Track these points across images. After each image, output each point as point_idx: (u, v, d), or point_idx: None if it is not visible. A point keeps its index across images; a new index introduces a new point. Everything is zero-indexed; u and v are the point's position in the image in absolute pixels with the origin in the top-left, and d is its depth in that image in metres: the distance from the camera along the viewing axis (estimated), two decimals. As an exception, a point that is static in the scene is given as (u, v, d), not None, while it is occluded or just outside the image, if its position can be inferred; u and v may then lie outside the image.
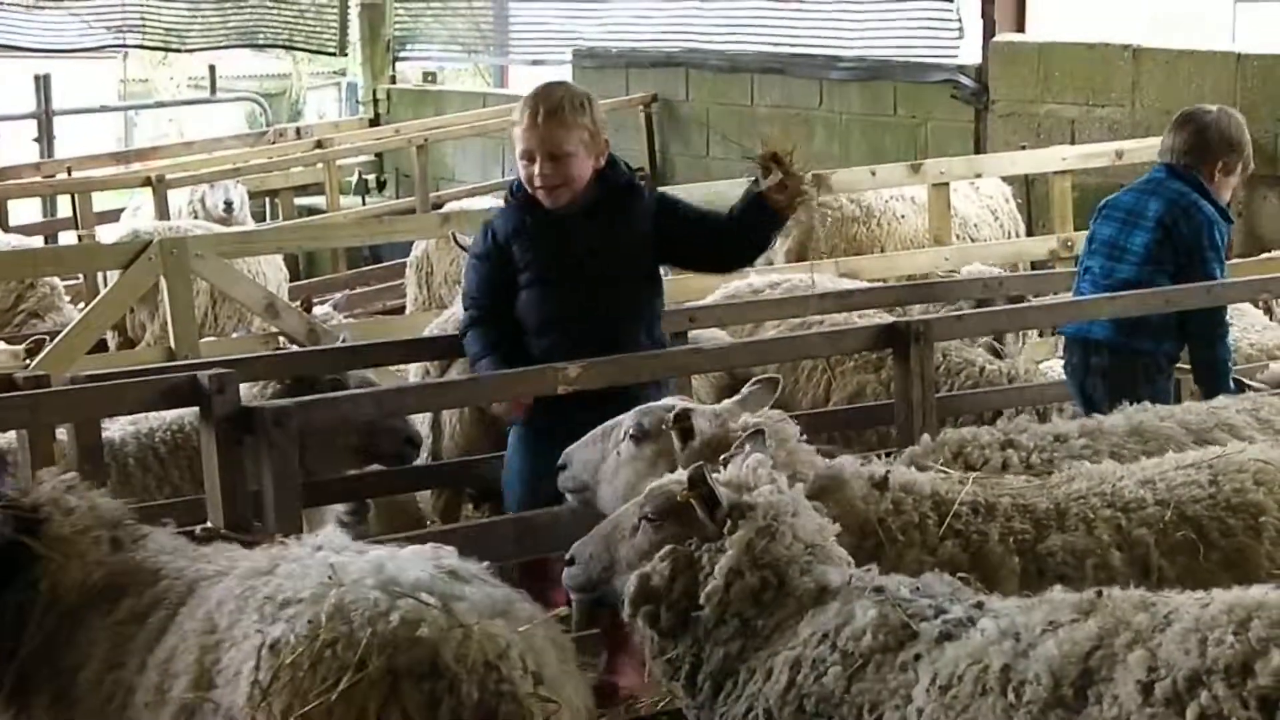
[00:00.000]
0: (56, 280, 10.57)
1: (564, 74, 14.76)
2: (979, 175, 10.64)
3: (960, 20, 12.43)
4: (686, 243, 5.40)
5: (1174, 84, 10.46)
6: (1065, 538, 4.08)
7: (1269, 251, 9.32)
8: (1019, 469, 4.70)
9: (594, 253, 5.25)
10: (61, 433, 5.29)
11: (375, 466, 5.86)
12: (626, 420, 4.57)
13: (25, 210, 15.47)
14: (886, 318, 6.69)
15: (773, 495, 3.56)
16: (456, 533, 5.18)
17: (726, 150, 13.40)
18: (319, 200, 14.82)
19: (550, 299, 5.28)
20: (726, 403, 4.66)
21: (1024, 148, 11.08)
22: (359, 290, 11.82)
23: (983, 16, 11.95)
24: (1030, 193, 11.31)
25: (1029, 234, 10.90)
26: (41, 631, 3.68)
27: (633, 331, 5.32)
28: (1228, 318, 6.24)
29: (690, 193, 8.93)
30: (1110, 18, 13.29)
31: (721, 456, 4.02)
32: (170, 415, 5.83)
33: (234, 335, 8.97)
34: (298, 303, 8.38)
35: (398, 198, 16.21)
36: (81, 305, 9.41)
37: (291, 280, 11.04)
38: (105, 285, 9.03)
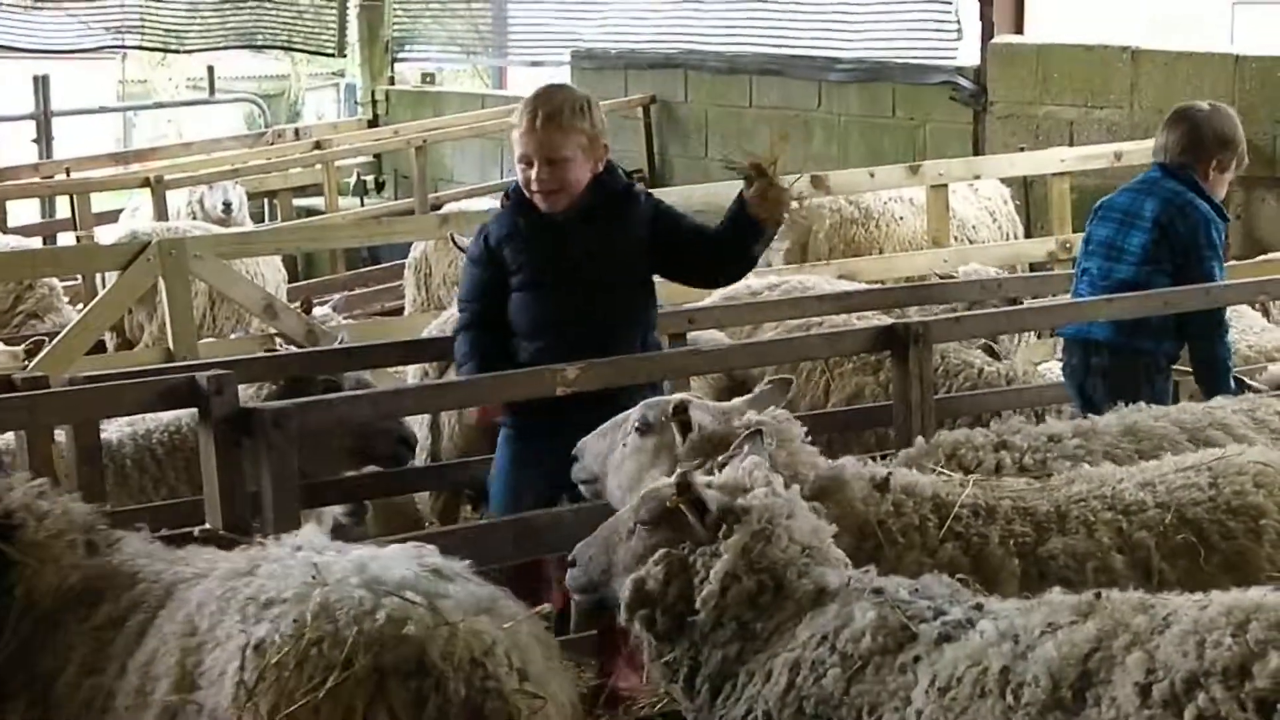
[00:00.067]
0: (55, 281, 10.57)
1: (562, 75, 14.76)
2: (977, 177, 10.65)
3: (959, 22, 12.43)
4: (677, 252, 5.34)
5: (1172, 85, 10.46)
6: (1066, 540, 4.09)
7: (1267, 253, 9.33)
8: (1012, 470, 4.71)
9: (590, 256, 5.22)
10: (60, 434, 5.30)
11: (370, 468, 5.86)
12: (634, 412, 4.60)
13: (24, 211, 15.46)
14: (885, 319, 6.70)
15: (768, 498, 3.56)
16: (455, 534, 5.18)
17: (725, 152, 13.39)
18: (317, 201, 14.82)
19: (543, 303, 5.25)
20: (737, 401, 4.67)
21: (1023, 149, 11.08)
22: (357, 291, 11.81)
23: (981, 18, 11.95)
24: (1029, 194, 11.32)
25: (1027, 236, 10.91)
26: (17, 637, 3.66)
27: (628, 337, 5.30)
28: (1227, 317, 6.24)
29: (689, 194, 8.97)
30: (1109, 19, 13.31)
31: (720, 457, 4.02)
32: (167, 417, 5.83)
33: (232, 336, 8.97)
34: (296, 304, 8.38)
35: (396, 199, 16.22)
36: (80, 306, 9.41)
37: (290, 281, 11.04)
38: (104, 286, 9.03)
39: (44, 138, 16.45)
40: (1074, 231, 9.55)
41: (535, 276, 5.27)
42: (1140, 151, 9.73)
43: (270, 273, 10.07)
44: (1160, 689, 2.85)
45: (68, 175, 14.12)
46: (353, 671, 3.13)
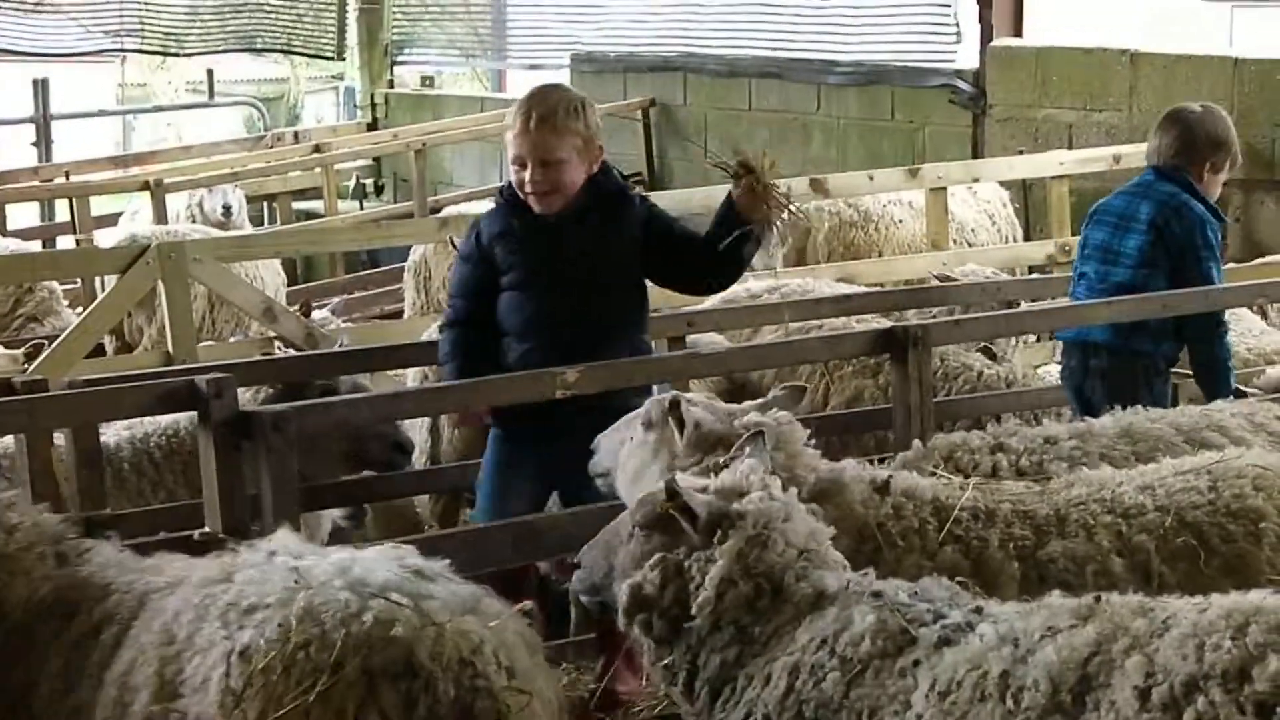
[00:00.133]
0: (55, 284, 10.55)
1: (562, 78, 14.75)
2: (977, 180, 10.66)
3: (958, 25, 12.44)
4: (670, 255, 5.28)
5: (1171, 88, 10.46)
6: (1065, 544, 4.09)
7: (1266, 256, 9.33)
8: (1009, 473, 4.71)
9: (585, 256, 5.19)
10: (59, 437, 5.29)
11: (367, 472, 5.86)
12: (644, 407, 4.63)
13: (23, 214, 15.46)
14: (884, 322, 6.71)
15: (763, 502, 3.54)
16: (455, 537, 5.18)
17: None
18: (317, 204, 14.82)
19: (536, 303, 5.22)
20: (748, 404, 4.69)
21: (1021, 152, 11.08)
22: (357, 295, 11.81)
23: (980, 21, 11.96)
24: (1028, 197, 11.32)
25: (1026, 239, 10.91)
26: None
27: (621, 339, 5.27)
28: (1226, 318, 6.24)
29: (689, 197, 8.98)
30: (1107, 22, 13.34)
31: (722, 459, 4.03)
32: (165, 420, 5.82)
33: (232, 340, 8.96)
34: (296, 307, 8.38)
35: (395, 202, 16.21)
36: (79, 309, 9.42)
37: (289, 284, 11.04)
38: (103, 290, 9.03)
39: (43, 141, 16.45)
40: (1073, 234, 9.52)
41: (528, 277, 5.23)
42: (1139, 154, 9.65)
43: (269, 276, 10.07)
44: (1160, 692, 2.85)
45: (67, 179, 14.11)
46: (342, 674, 3.13)
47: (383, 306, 11.46)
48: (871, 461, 4.75)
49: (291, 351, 7.22)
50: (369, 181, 17.03)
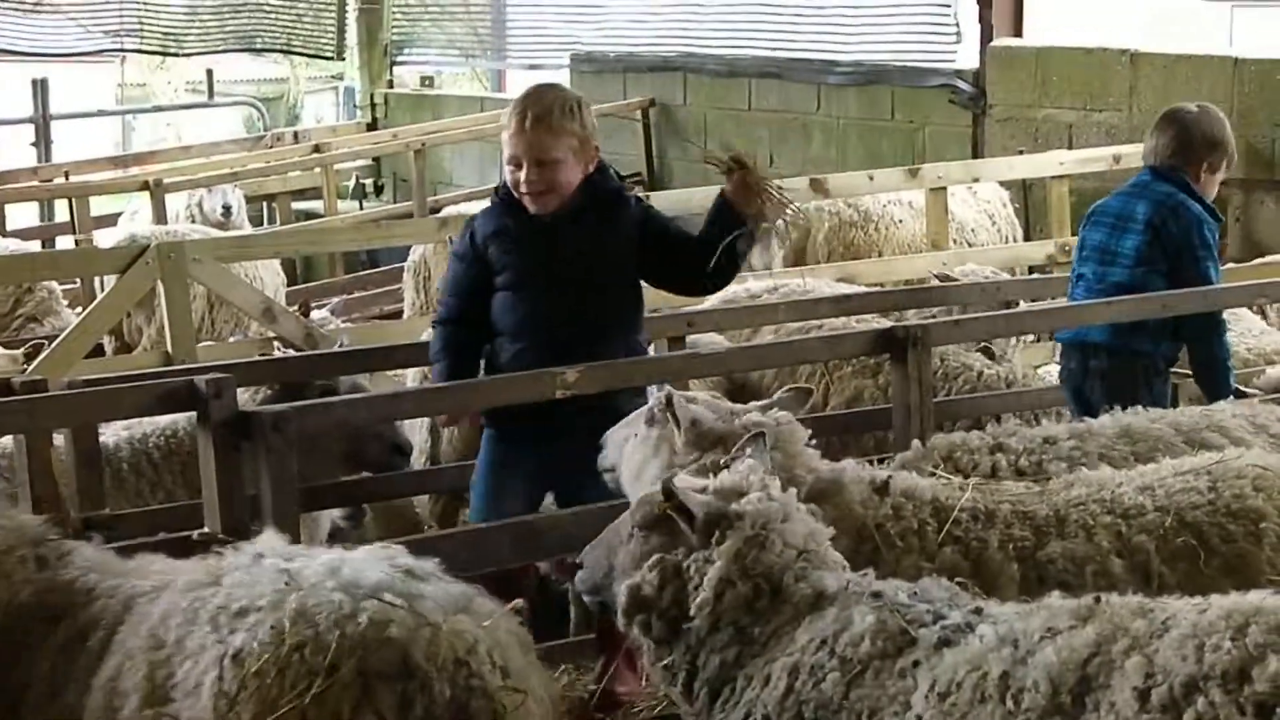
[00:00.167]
0: (54, 284, 10.55)
1: (561, 78, 14.76)
2: (976, 180, 10.66)
3: (958, 25, 12.44)
4: (666, 255, 5.23)
5: (1171, 88, 10.46)
6: (1065, 544, 4.08)
7: (1266, 256, 9.33)
8: (1008, 473, 4.71)
9: (581, 256, 5.15)
10: (59, 438, 5.29)
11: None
12: (649, 403, 4.65)
13: (23, 214, 15.45)
14: (884, 322, 6.70)
15: (761, 503, 3.54)
16: (455, 537, 5.18)
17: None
18: (316, 205, 14.82)
19: (532, 303, 5.18)
20: (752, 404, 4.69)
21: (1021, 152, 11.08)
22: (356, 295, 11.81)
23: (980, 21, 11.96)
24: (1028, 197, 11.32)
25: (1026, 239, 10.91)
26: None
27: (616, 337, 5.24)
28: (1225, 317, 6.24)
29: (689, 196, 8.97)
30: (1107, 22, 13.34)
31: (723, 460, 4.03)
32: (164, 420, 5.82)
33: (231, 340, 8.96)
34: (295, 307, 8.38)
35: (395, 202, 16.21)
36: (79, 310, 9.41)
37: (289, 285, 11.04)
38: (103, 290, 9.03)
39: (43, 141, 16.45)
40: (1073, 234, 9.51)
41: (523, 277, 5.20)
42: (1139, 154, 9.69)
43: (269, 276, 10.07)
44: (1159, 693, 2.84)
45: (66, 179, 14.11)
46: (338, 676, 3.12)
47: (382, 307, 11.46)
48: (871, 462, 4.75)
49: (291, 352, 7.22)
50: (368, 181, 17.03)
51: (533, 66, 16.58)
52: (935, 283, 7.81)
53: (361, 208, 15.83)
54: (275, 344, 7.65)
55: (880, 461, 4.83)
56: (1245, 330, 7.46)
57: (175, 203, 12.96)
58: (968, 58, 12.16)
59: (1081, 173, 10.39)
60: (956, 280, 7.75)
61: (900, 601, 3.32)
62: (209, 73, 19.29)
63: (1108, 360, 6.08)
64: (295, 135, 16.70)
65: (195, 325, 8.56)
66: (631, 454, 4.63)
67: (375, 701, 3.13)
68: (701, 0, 14.56)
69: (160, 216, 12.41)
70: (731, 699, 3.39)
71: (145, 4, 17.86)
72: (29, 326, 10.10)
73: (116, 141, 21.64)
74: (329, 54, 18.96)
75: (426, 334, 7.21)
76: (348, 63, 19.30)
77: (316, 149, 15.11)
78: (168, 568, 3.67)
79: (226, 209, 12.85)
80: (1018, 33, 12.00)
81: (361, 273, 12.98)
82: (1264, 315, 7.93)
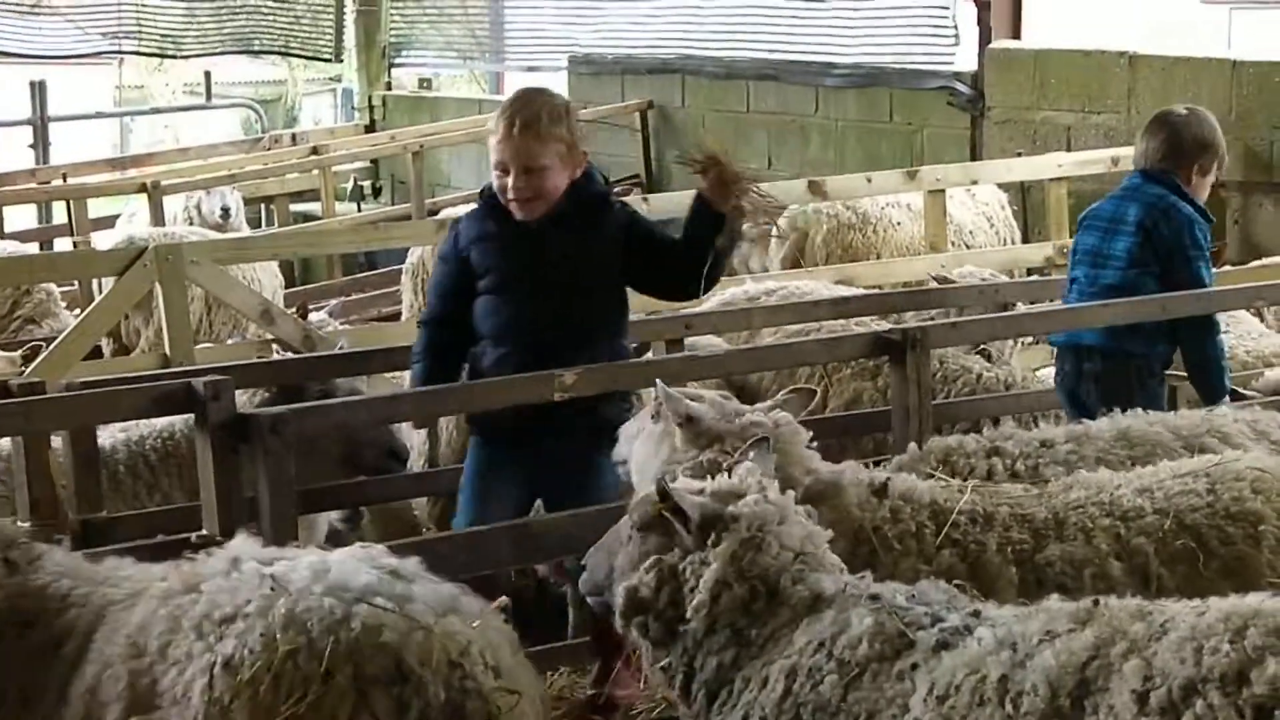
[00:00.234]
0: (52, 286, 10.54)
1: (559, 80, 14.76)
2: (975, 182, 10.65)
3: (956, 27, 12.43)
4: (651, 259, 5.20)
5: (1170, 91, 10.45)
6: (1064, 547, 4.08)
7: (1263, 258, 9.32)
8: (1004, 477, 4.70)
9: (566, 260, 5.12)
10: (56, 440, 5.29)
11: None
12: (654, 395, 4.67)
13: (21, 216, 15.45)
14: (883, 325, 6.70)
15: (757, 505, 3.54)
16: (453, 539, 5.17)
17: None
18: (314, 206, 14.82)
19: (517, 307, 5.15)
20: (758, 405, 4.69)
21: (1020, 154, 11.08)
22: (354, 297, 11.81)
23: (978, 23, 11.95)
24: (1026, 199, 11.31)
25: (1025, 241, 10.91)
26: None
27: (602, 340, 5.21)
28: (1219, 318, 6.24)
29: (686, 199, 8.94)
30: (1106, 24, 13.34)
31: (721, 460, 4.03)
32: (160, 423, 5.81)
33: (229, 342, 8.96)
34: (293, 309, 8.37)
35: (393, 204, 16.22)
36: (77, 312, 9.40)
37: (287, 287, 11.03)
38: (100, 292, 9.02)
39: (41, 143, 16.45)
40: (1071, 237, 9.54)
41: (507, 281, 5.16)
42: (1137, 156, 9.73)
43: (267, 278, 10.07)
44: (1158, 696, 2.84)
45: (64, 181, 14.10)
46: (333, 683, 3.10)
47: (380, 309, 11.45)
48: (869, 464, 4.74)
49: (289, 354, 7.21)
50: (366, 183, 17.04)
51: (531, 69, 16.58)
52: (933, 285, 7.80)
53: (359, 210, 15.84)
54: (273, 346, 7.65)
55: (879, 464, 4.82)
56: (1243, 333, 7.45)
57: (173, 205, 12.96)
58: (966, 60, 12.15)
59: (1080, 175, 10.38)
60: (955, 282, 7.75)
61: (898, 604, 3.32)
62: (207, 75, 19.30)
63: (1102, 363, 6.08)
64: (293, 137, 16.71)
65: (193, 327, 8.55)
66: (639, 448, 4.66)
67: (371, 706, 3.12)
68: (700, 2, 14.55)
69: (158, 218, 12.41)
70: (729, 701, 3.39)
71: (143, 6, 17.86)
72: (27, 328, 10.10)
73: (114, 143, 21.63)
74: (327, 56, 18.96)
75: (424, 336, 7.22)
76: (346, 65, 19.29)
77: (314, 151, 15.12)
78: (140, 573, 3.63)
79: (225, 211, 12.85)
80: (1016, 35, 12.00)
81: (359, 275, 12.97)
82: (1261, 317, 7.93)
